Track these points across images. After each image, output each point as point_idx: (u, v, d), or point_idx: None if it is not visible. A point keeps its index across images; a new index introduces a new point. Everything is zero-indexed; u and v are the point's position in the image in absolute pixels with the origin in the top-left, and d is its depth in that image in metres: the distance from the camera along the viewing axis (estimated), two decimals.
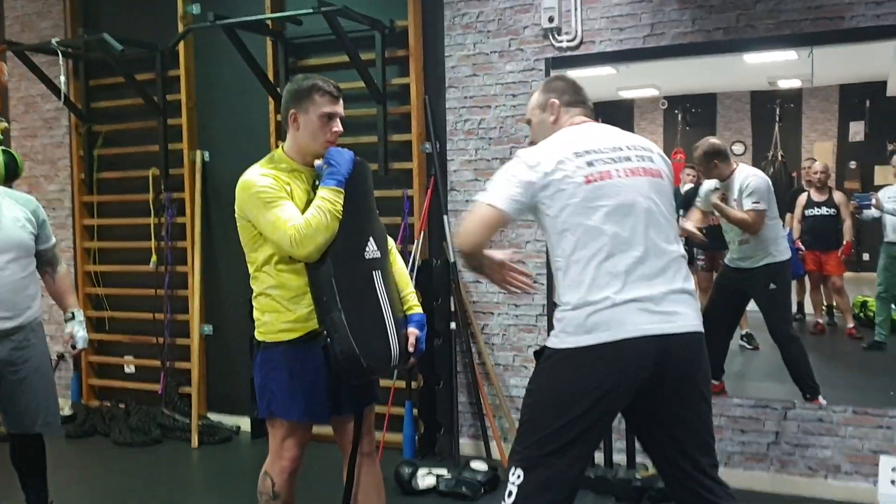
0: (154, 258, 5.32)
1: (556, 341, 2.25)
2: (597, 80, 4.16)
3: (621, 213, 2.24)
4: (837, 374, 4.32)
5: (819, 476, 3.87)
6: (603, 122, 4.22)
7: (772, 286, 4.00)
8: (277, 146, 4.90)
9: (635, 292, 2.19)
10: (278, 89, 4.86)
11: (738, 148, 4.42)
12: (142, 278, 5.43)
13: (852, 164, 4.30)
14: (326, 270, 2.56)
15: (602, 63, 4.18)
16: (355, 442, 2.85)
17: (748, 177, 3.99)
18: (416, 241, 4.50)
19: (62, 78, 4.84)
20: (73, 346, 3.44)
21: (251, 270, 2.75)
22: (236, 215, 2.69)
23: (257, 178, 2.62)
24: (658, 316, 2.19)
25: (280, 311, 2.67)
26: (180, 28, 5.04)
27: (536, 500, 2.21)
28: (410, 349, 2.77)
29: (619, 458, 4.00)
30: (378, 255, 2.70)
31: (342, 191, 2.59)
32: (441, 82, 4.57)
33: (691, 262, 4.17)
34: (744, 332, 4.53)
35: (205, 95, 5.23)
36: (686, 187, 4.54)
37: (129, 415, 5.27)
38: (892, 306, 4.31)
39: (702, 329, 2.29)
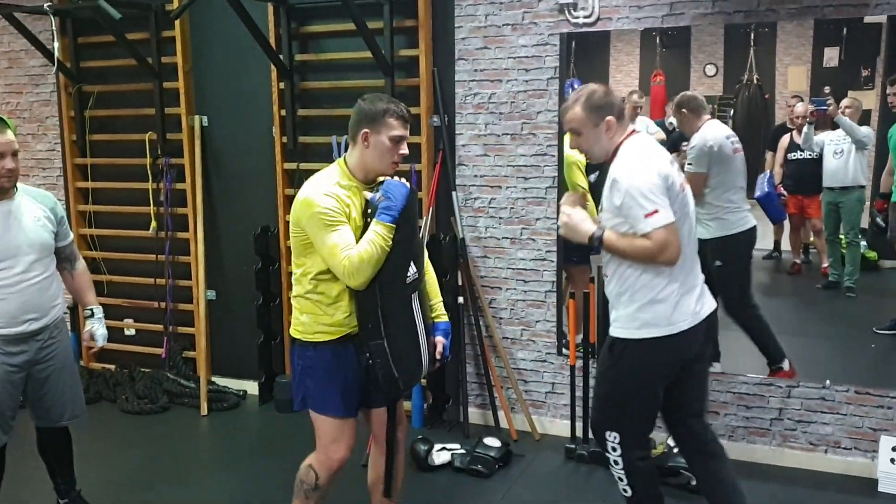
0: (154, 224, 5.24)
1: (644, 332, 2.76)
2: None
3: (688, 220, 2.81)
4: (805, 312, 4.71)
5: (819, 451, 4.05)
6: (578, 45, 4.27)
7: (717, 263, 3.91)
8: (281, 115, 4.87)
9: (691, 284, 2.81)
10: (280, 56, 4.73)
11: (710, 69, 4.43)
12: (141, 243, 5.36)
13: (826, 90, 4.28)
14: (373, 300, 2.68)
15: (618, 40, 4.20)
16: (391, 433, 3.03)
17: (698, 137, 3.99)
18: (424, 218, 4.47)
19: (56, 44, 4.63)
20: (93, 344, 3.45)
21: (295, 272, 2.85)
22: (291, 221, 2.76)
23: (321, 198, 2.67)
24: (701, 302, 2.83)
25: (318, 314, 2.80)
26: None
27: (637, 451, 2.89)
28: (437, 356, 2.95)
29: None
30: (417, 276, 2.79)
31: (394, 227, 2.66)
32: (451, 54, 4.47)
33: None
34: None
35: (202, 58, 5.07)
36: (670, 119, 4.46)
37: (133, 380, 5.28)
38: (863, 244, 4.39)
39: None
